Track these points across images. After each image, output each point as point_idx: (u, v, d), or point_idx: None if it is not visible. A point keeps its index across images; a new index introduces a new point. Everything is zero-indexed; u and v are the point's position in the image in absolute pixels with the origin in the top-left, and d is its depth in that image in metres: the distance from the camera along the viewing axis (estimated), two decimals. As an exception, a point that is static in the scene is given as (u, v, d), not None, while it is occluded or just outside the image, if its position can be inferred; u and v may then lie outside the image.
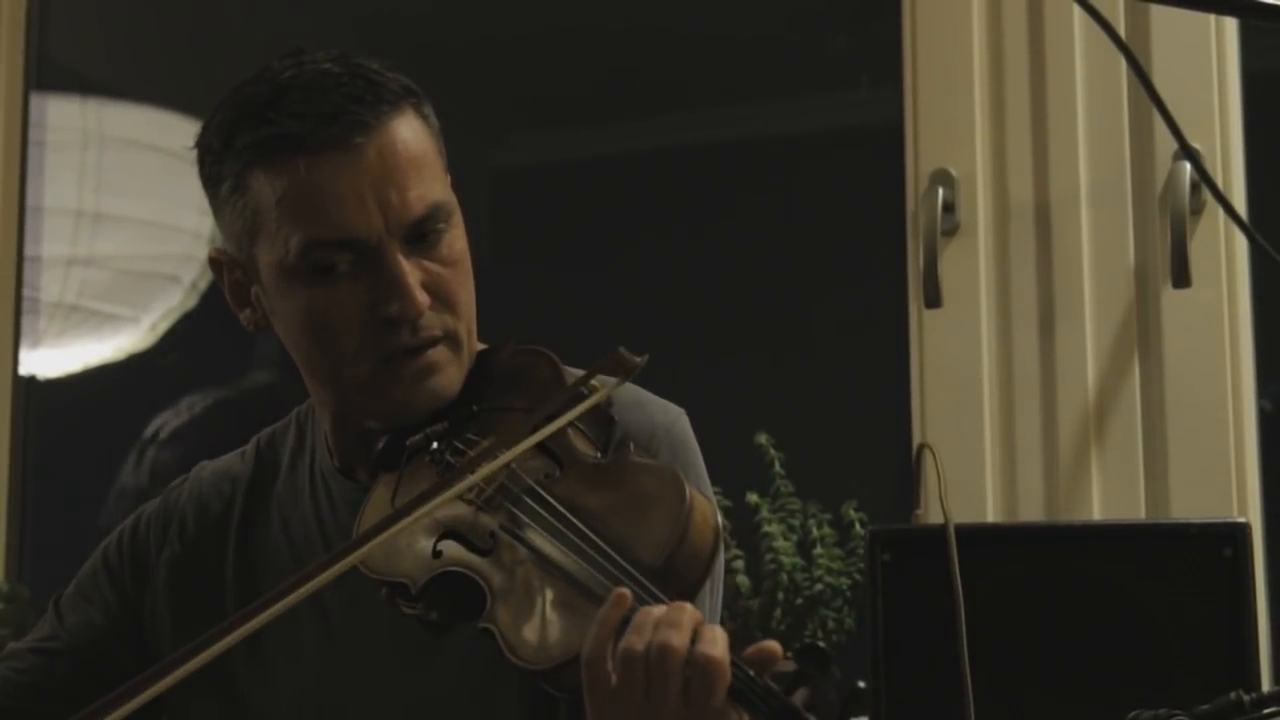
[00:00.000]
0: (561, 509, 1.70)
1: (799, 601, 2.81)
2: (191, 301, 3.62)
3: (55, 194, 3.65)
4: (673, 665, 1.53)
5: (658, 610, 1.56)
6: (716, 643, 1.54)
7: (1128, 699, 1.66)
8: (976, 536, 2.33)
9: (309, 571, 1.68)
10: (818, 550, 2.85)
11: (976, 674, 2.23)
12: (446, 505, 1.73)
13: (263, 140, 1.80)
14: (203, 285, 3.62)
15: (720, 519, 1.72)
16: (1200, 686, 1.87)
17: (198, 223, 3.67)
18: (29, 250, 3.60)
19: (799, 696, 1.54)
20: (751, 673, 1.55)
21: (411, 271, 1.80)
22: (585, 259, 3.36)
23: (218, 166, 1.85)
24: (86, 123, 3.73)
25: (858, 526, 2.85)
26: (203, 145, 1.88)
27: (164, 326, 3.63)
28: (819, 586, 2.83)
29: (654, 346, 1.76)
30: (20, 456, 3.53)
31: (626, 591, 1.57)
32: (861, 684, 1.54)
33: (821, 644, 1.56)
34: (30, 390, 3.59)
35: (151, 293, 3.66)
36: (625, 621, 1.57)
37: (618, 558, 1.63)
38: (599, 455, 1.78)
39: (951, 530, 2.28)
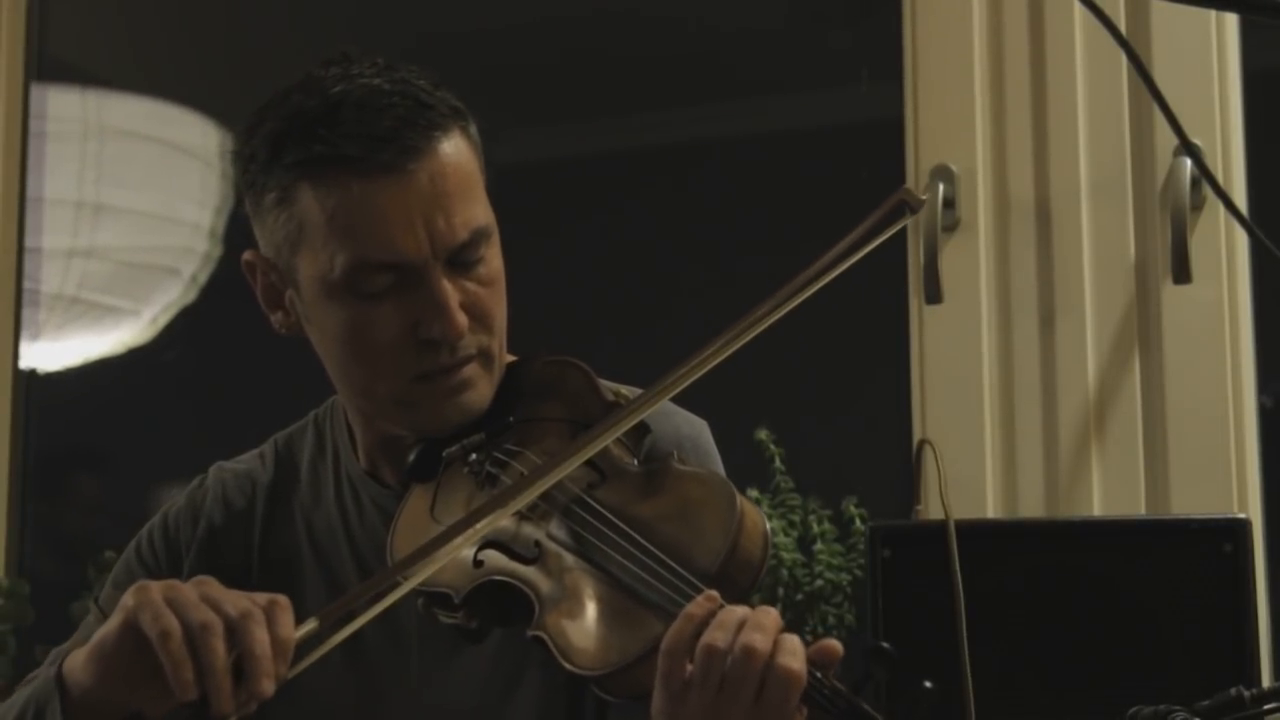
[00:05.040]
0: (611, 517, 1.72)
1: (799, 597, 2.82)
2: (191, 295, 3.62)
3: (55, 185, 3.65)
4: (755, 666, 1.56)
5: (742, 610, 1.59)
6: (797, 654, 1.57)
7: (1128, 695, 1.66)
8: (977, 532, 2.34)
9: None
10: (818, 546, 2.86)
11: (976, 669, 2.24)
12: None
13: (314, 158, 1.80)
14: (203, 279, 3.62)
15: (768, 525, 1.73)
16: (1200, 682, 1.87)
17: (198, 215, 3.67)
18: (29, 242, 3.60)
19: (865, 696, 1.57)
20: (819, 674, 1.58)
21: (453, 294, 1.82)
22: (583, 254, 3.36)
23: (263, 176, 1.85)
24: (87, 114, 3.73)
25: (858, 522, 2.85)
26: (246, 153, 1.88)
27: (164, 320, 3.63)
28: (819, 582, 2.83)
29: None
30: (20, 449, 3.53)
31: (715, 593, 1.60)
32: (928, 683, 1.55)
33: (887, 645, 1.58)
34: (30, 383, 3.59)
35: (151, 285, 3.66)
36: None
37: (672, 563, 1.65)
38: (635, 463, 1.81)
39: (952, 526, 2.28)
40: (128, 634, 1.61)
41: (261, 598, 1.62)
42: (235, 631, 1.58)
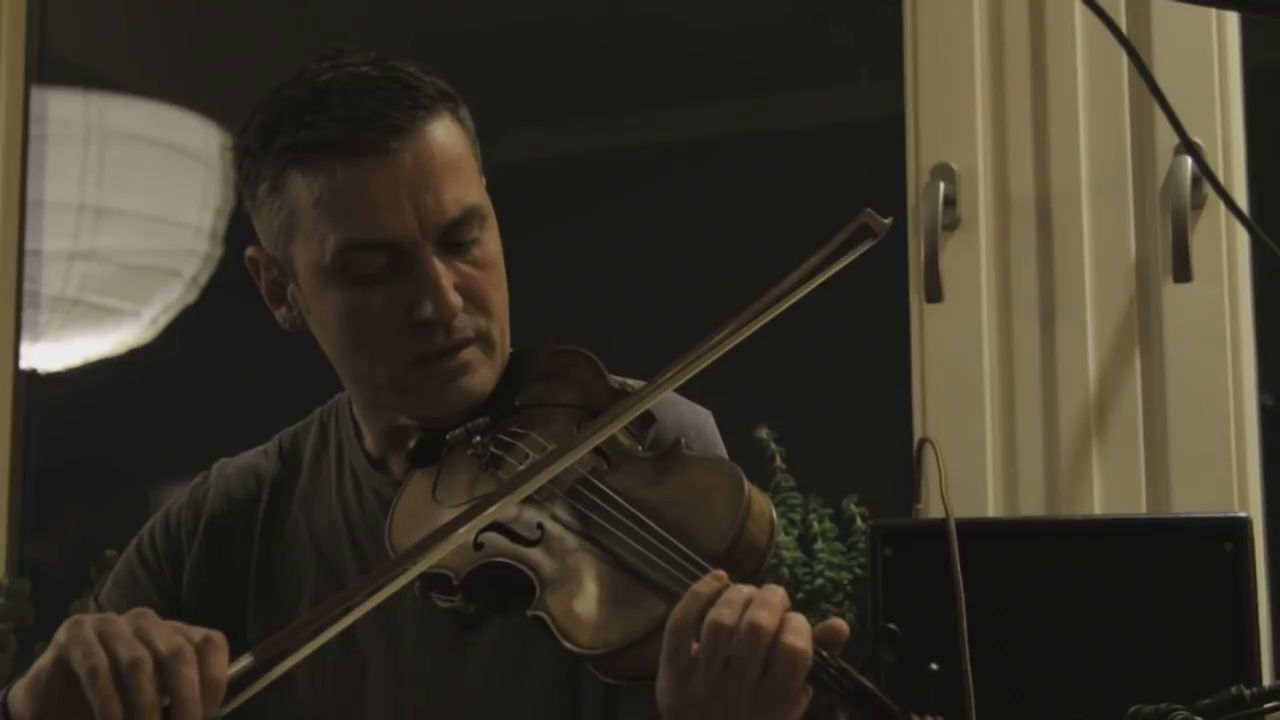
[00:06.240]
0: (618, 498, 1.72)
1: (800, 596, 2.82)
2: (192, 296, 3.62)
3: (57, 188, 3.65)
4: (760, 644, 1.56)
5: (749, 588, 1.59)
6: (802, 633, 1.57)
7: (1129, 693, 1.66)
8: (977, 531, 2.34)
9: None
10: (818, 545, 2.86)
11: (977, 668, 2.23)
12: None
13: (300, 143, 1.82)
14: (203, 280, 3.62)
15: (774, 513, 1.74)
16: (1201, 681, 1.87)
17: (199, 217, 3.67)
18: (30, 244, 3.60)
19: (871, 677, 1.57)
20: (825, 654, 1.58)
21: (445, 274, 1.82)
22: (582, 253, 3.36)
23: (256, 167, 1.87)
24: (88, 117, 3.73)
25: (859, 521, 2.85)
26: (240, 146, 1.90)
27: (165, 321, 3.64)
28: (820, 581, 2.83)
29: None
30: (21, 450, 3.54)
31: (722, 572, 1.61)
32: (934, 665, 1.55)
33: (893, 626, 1.57)
34: (31, 384, 3.59)
35: (153, 287, 3.66)
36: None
37: (679, 545, 1.66)
38: (639, 448, 1.81)
39: (952, 524, 2.28)
40: (59, 670, 1.60)
41: (197, 633, 1.60)
42: (165, 669, 1.57)
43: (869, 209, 1.73)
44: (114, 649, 1.57)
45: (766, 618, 1.56)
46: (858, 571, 2.82)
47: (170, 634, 1.59)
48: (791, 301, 1.72)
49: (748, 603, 1.57)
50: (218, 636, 1.61)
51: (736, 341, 1.72)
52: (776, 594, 1.59)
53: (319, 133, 1.80)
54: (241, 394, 3.46)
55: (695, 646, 1.58)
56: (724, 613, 1.57)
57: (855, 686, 1.57)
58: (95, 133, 3.73)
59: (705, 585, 1.60)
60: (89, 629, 1.59)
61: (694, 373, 1.73)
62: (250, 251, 1.94)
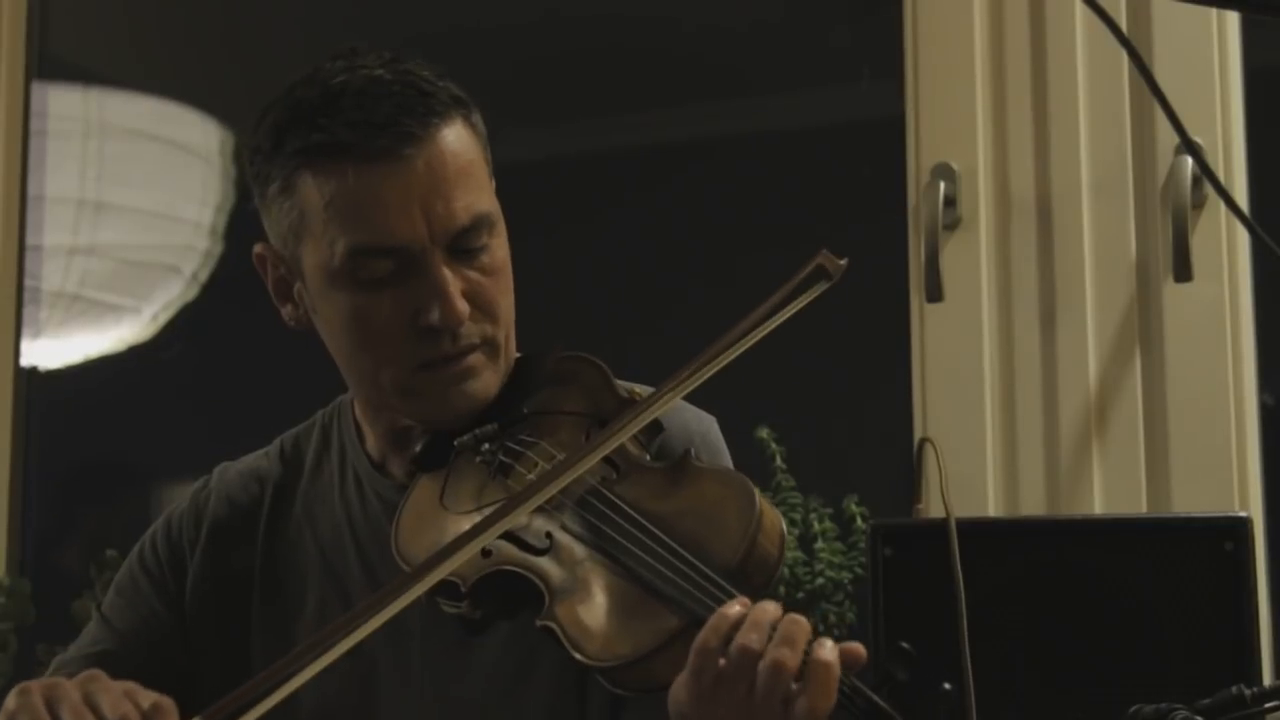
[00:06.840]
0: (629, 510, 1.72)
1: (800, 596, 2.82)
2: (192, 293, 3.62)
3: (57, 183, 3.65)
4: (782, 681, 1.56)
5: (773, 610, 1.60)
6: (827, 690, 1.56)
7: (1129, 693, 1.66)
8: (978, 530, 2.34)
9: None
10: (819, 544, 2.86)
11: (978, 667, 2.23)
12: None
13: (313, 146, 1.82)
14: (203, 276, 3.62)
15: (785, 525, 1.74)
16: (1201, 680, 1.87)
17: (199, 213, 3.67)
18: (30, 239, 3.60)
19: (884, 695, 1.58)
20: (840, 675, 1.58)
21: (454, 280, 1.83)
22: (581, 253, 3.36)
23: (267, 167, 1.87)
24: (88, 112, 3.73)
25: (859, 520, 2.85)
26: (252, 145, 1.90)
27: (165, 317, 3.63)
28: (820, 581, 2.83)
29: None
30: (21, 448, 3.53)
31: (746, 599, 1.61)
32: (947, 685, 1.55)
33: (906, 645, 1.58)
34: (31, 382, 3.59)
35: (152, 283, 3.66)
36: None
37: (690, 558, 1.66)
38: (647, 458, 1.81)
39: (953, 524, 2.28)
40: None
41: (146, 699, 1.60)
42: None
43: (825, 249, 1.73)
44: (61, 717, 1.57)
45: (789, 656, 1.56)
46: (858, 571, 2.82)
47: (118, 700, 1.59)
48: (748, 345, 1.71)
49: (773, 628, 1.58)
50: (166, 703, 1.61)
51: (690, 389, 1.72)
52: (800, 625, 1.59)
53: (332, 136, 1.80)
54: (242, 391, 3.46)
55: (723, 663, 1.58)
56: (752, 637, 1.57)
57: (868, 705, 1.57)
58: (95, 128, 3.73)
59: (731, 609, 1.60)
60: (37, 696, 1.60)
61: (669, 405, 1.74)
62: (258, 248, 1.94)
